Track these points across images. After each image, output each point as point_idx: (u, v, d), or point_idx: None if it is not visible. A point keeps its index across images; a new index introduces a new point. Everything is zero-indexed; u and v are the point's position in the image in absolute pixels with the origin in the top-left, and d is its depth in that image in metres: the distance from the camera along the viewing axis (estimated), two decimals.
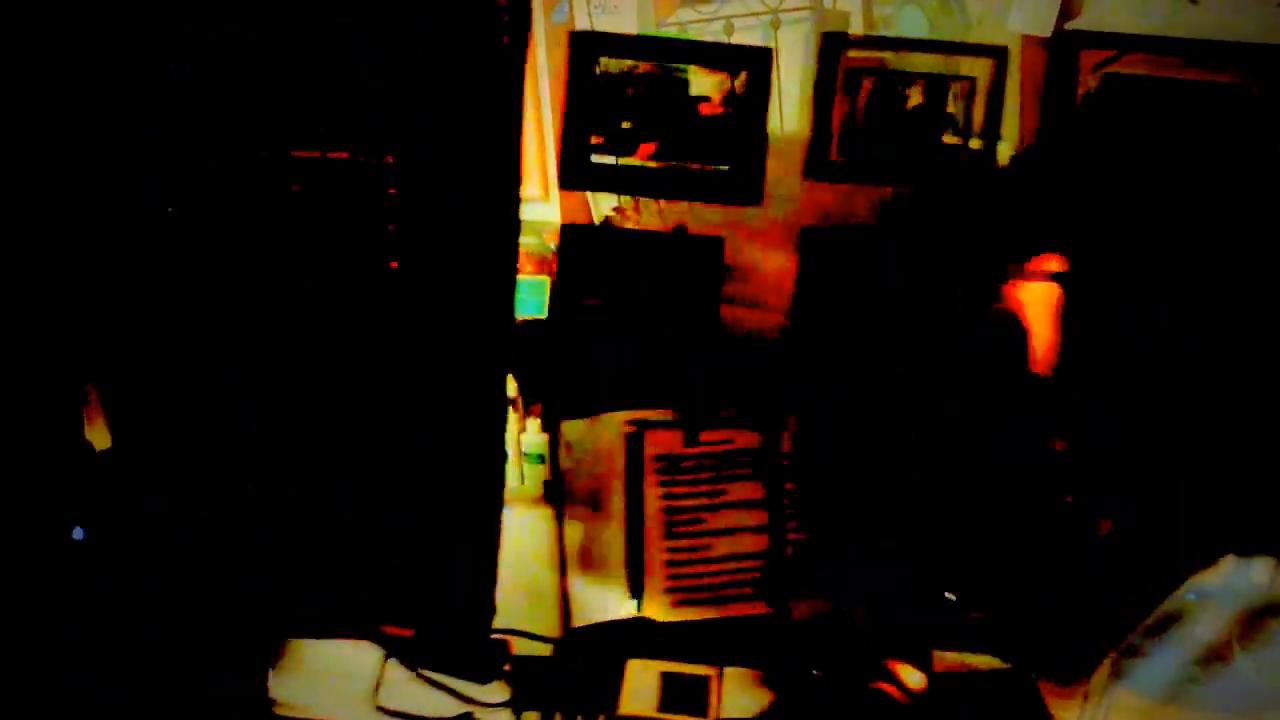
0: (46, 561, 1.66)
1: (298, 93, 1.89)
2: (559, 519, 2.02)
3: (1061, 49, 2.00)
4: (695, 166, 2.00)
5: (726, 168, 2.00)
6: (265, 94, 1.88)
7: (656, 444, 2.00)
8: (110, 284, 1.87)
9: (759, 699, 1.24)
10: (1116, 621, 0.93)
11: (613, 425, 2.02)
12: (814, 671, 1.11)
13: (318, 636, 1.94)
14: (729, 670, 1.84)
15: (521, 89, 1.98)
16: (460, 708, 1.82)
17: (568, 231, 2.03)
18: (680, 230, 2.01)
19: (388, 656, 1.91)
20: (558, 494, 2.03)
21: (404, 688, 1.86)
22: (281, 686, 1.82)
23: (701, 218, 2.00)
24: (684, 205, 2.01)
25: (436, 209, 2.00)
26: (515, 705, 1.82)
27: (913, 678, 1.12)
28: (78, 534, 1.87)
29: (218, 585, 1.98)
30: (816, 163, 2.01)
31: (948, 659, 1.75)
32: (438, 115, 1.98)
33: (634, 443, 2.00)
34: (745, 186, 2.00)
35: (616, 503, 1.99)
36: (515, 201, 2.01)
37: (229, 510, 1.94)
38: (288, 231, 1.96)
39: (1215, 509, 0.97)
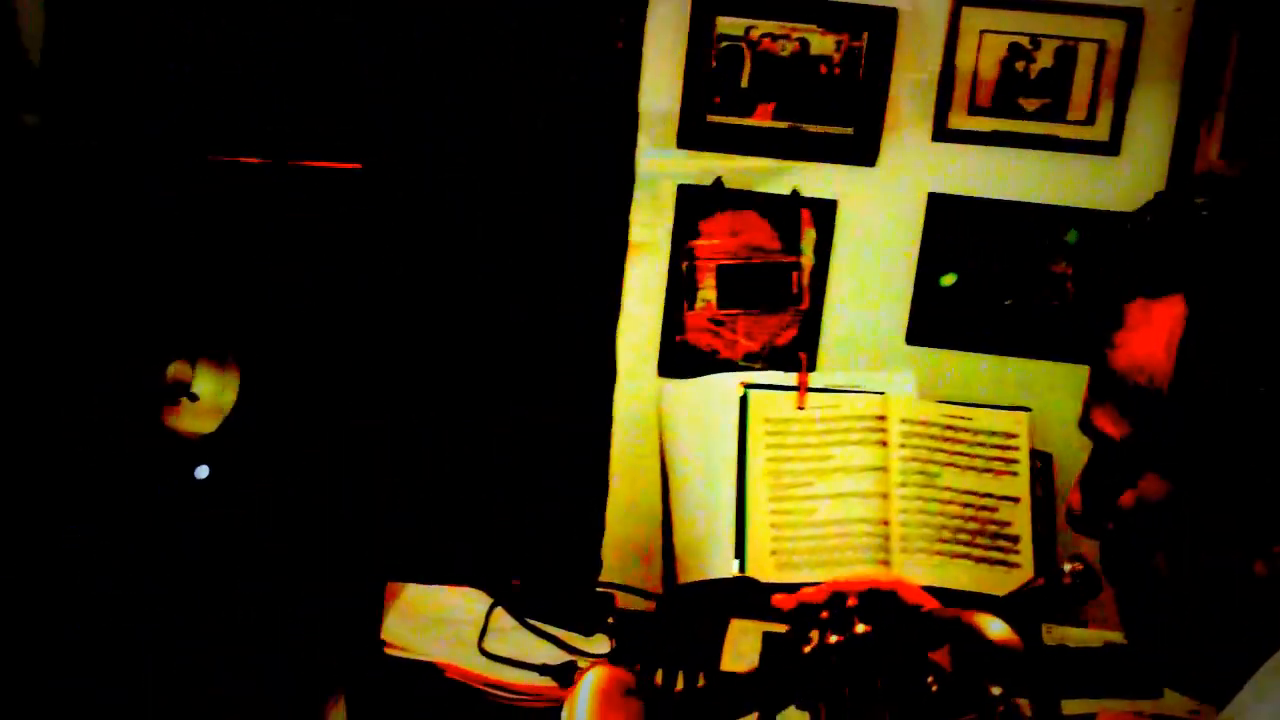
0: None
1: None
2: (665, 478, 2.03)
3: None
4: (813, 127, 1.99)
5: (846, 129, 1.98)
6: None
7: (764, 405, 1.99)
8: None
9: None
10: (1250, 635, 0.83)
11: (720, 387, 2.02)
12: (864, 627, 0.96)
13: (430, 583, 1.99)
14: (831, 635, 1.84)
15: (638, 53, 2.00)
16: (563, 657, 1.84)
17: (685, 192, 2.03)
18: (795, 192, 2.00)
19: (495, 605, 1.95)
20: (664, 454, 2.04)
21: (509, 635, 1.90)
22: (393, 629, 1.87)
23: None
24: None
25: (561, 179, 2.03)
26: (617, 658, 1.84)
27: (993, 626, 0.93)
28: (201, 472, 1.94)
29: (340, 531, 2.05)
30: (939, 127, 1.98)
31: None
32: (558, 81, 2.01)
33: (742, 404, 2.00)
34: (863, 148, 1.98)
35: (723, 464, 1.99)
36: (631, 166, 2.03)
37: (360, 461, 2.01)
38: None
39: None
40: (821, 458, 1.97)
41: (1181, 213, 0.82)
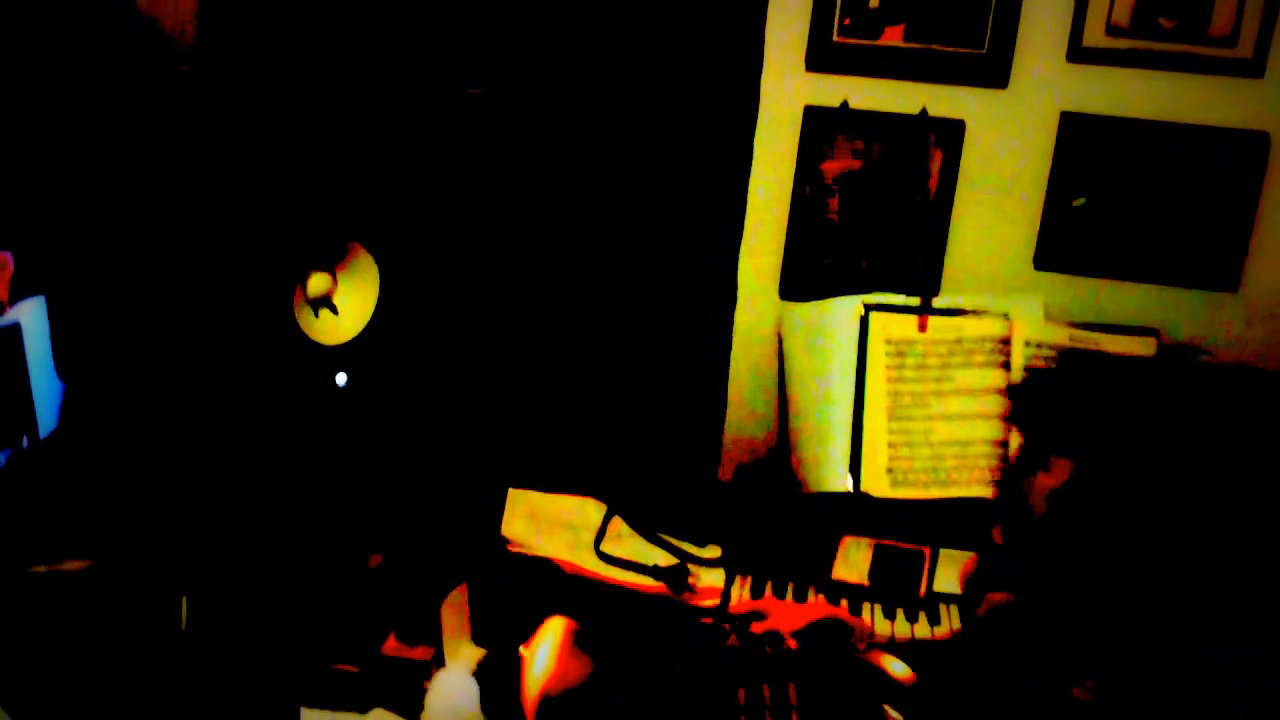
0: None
1: None
2: (782, 396, 2.05)
3: None
4: (943, 48, 1.97)
5: (978, 50, 1.96)
6: None
7: (885, 327, 1.99)
8: None
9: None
10: None
11: (841, 308, 2.02)
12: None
13: (551, 491, 2.05)
14: (943, 551, 1.84)
15: None
16: (675, 562, 1.88)
17: (811, 114, 2.03)
18: (923, 112, 1.99)
19: (612, 512, 2.00)
20: (783, 373, 2.06)
21: (625, 541, 1.94)
22: (514, 530, 1.93)
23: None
24: None
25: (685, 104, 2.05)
26: (728, 565, 1.87)
27: (896, 667, 1.15)
28: (341, 379, 2.04)
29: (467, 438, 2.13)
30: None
31: None
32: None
33: (863, 325, 2.00)
34: (994, 68, 1.95)
35: (842, 383, 2.00)
36: (756, 89, 2.04)
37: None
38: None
39: None
40: (941, 379, 1.96)
41: (1075, 390, 0.99)
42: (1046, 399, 1.03)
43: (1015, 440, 1.02)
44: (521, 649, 0.98)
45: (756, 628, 1.45)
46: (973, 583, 1.09)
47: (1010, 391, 1.02)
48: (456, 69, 2.10)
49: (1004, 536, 1.01)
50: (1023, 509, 0.98)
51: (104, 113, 2.05)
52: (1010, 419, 1.08)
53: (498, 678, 0.89)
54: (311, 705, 1.57)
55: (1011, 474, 1.04)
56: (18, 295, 1.83)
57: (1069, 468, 0.93)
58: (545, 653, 0.93)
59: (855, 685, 1.17)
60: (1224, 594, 0.89)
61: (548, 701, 0.90)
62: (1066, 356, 1.08)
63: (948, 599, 1.76)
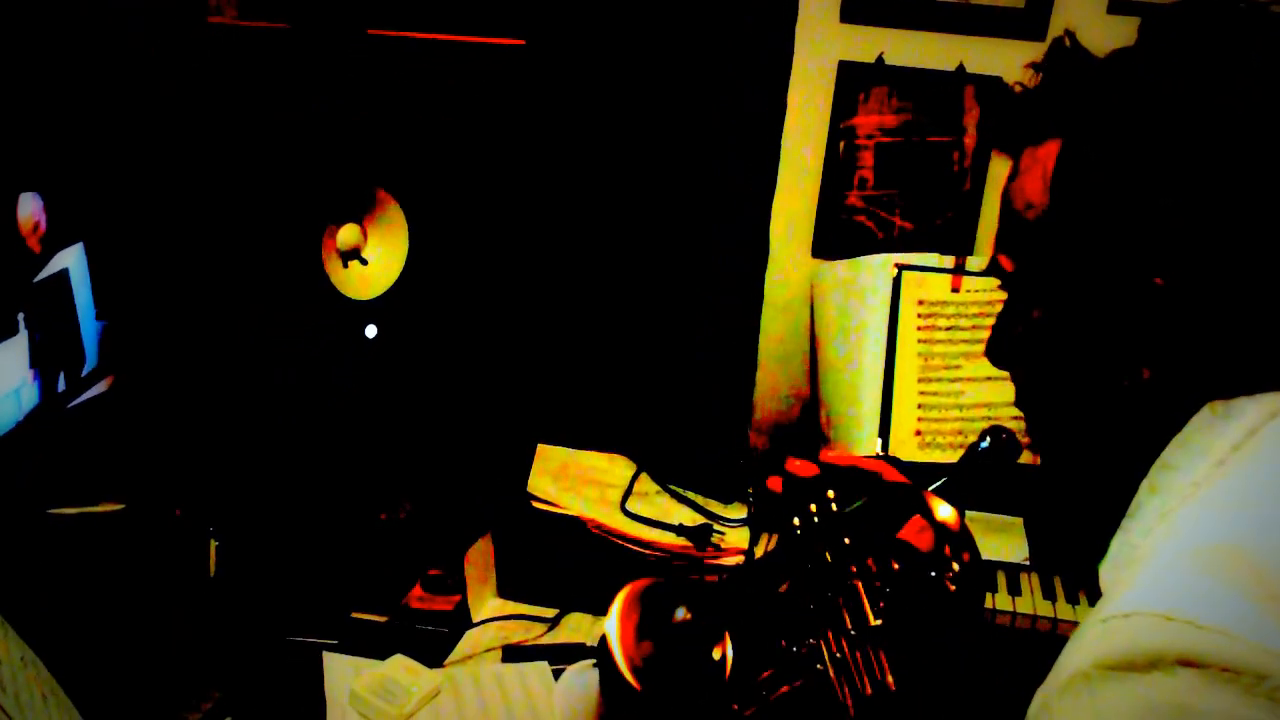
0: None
1: None
2: (813, 357, 2.03)
3: None
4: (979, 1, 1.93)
5: (1016, 2, 1.91)
6: None
7: (918, 287, 1.97)
8: None
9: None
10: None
11: (874, 268, 2.00)
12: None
13: (579, 448, 2.05)
14: (971, 514, 1.82)
15: None
16: (701, 521, 1.88)
17: (845, 69, 2.00)
18: (960, 68, 1.95)
19: (640, 471, 2.00)
20: (814, 333, 2.04)
21: (652, 499, 1.95)
22: (541, 486, 1.94)
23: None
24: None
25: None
26: (753, 524, 1.87)
27: (941, 510, 1.05)
28: (371, 332, 2.05)
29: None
30: None
31: None
32: None
33: (895, 285, 1.98)
34: (1032, 21, 1.91)
35: (872, 344, 1.98)
36: (790, 41, 2.01)
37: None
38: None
39: None
40: (974, 340, 1.94)
41: (1061, 73, 0.96)
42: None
43: None
44: (604, 625, 0.99)
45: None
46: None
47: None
48: (497, 21, 2.09)
49: (1021, 258, 0.95)
50: (1016, 223, 0.93)
51: (135, 65, 2.07)
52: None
53: (603, 659, 0.90)
54: (335, 651, 1.59)
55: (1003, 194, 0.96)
56: (59, 244, 1.85)
57: (1058, 144, 0.90)
58: (613, 625, 0.94)
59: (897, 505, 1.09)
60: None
61: (638, 670, 0.91)
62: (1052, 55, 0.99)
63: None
